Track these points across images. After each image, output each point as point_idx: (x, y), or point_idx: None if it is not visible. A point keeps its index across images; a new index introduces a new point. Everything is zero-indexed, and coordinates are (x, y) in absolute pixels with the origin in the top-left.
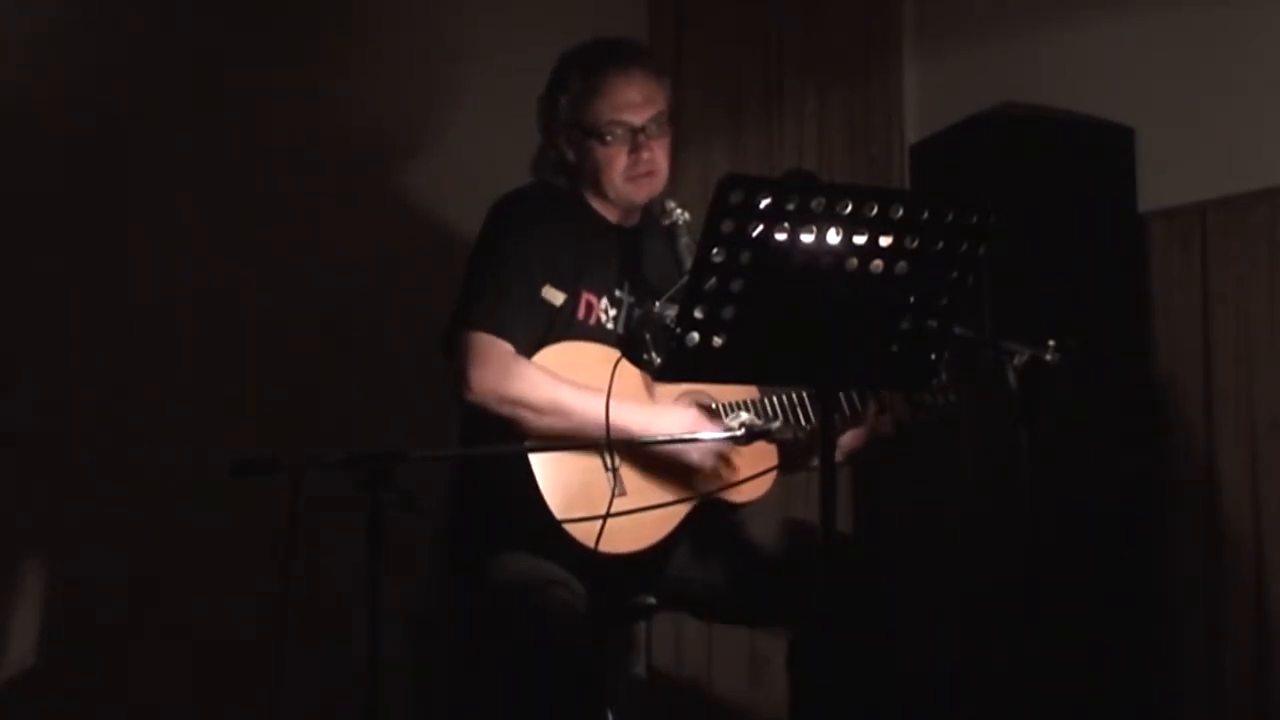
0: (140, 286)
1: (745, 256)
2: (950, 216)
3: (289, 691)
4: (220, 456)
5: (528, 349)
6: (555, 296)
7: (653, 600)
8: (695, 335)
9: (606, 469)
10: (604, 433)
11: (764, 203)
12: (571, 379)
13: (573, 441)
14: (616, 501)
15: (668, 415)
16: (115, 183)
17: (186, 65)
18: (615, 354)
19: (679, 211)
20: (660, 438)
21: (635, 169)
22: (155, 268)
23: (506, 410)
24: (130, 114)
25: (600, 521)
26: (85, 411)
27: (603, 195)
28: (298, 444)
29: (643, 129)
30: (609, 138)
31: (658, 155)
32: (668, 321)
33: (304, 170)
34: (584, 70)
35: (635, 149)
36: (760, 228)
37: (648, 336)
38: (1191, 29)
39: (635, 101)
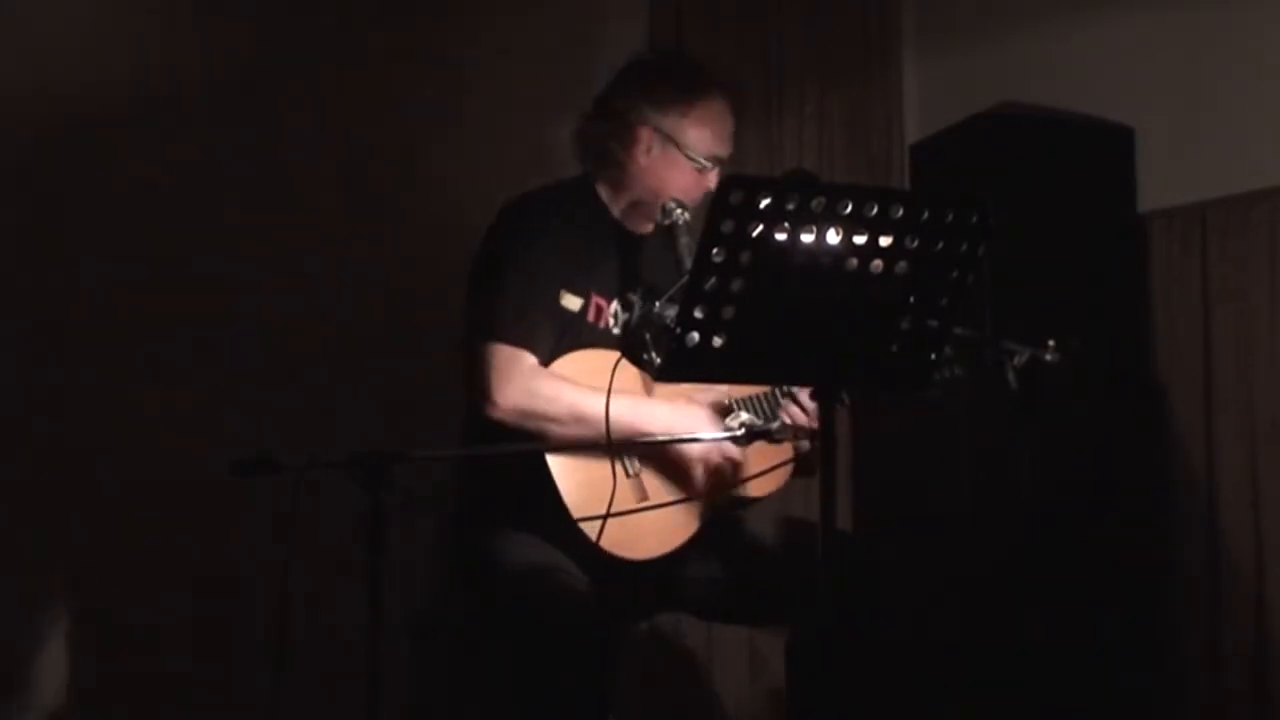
0: (141, 286)
1: (745, 256)
2: (950, 216)
3: (289, 692)
4: (220, 456)
5: (547, 358)
6: (573, 302)
7: (653, 600)
8: (695, 335)
9: (629, 475)
10: (626, 436)
11: (764, 203)
12: (590, 385)
13: (581, 442)
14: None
15: (686, 414)
16: (115, 183)
17: (197, 67)
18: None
19: (679, 211)
20: (661, 437)
21: (697, 190)
22: (156, 268)
23: (531, 425)
24: (133, 113)
25: (625, 528)
26: (85, 411)
27: (633, 195)
28: (298, 444)
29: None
30: (705, 166)
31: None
32: (667, 321)
33: (307, 172)
34: (686, 91)
35: (705, 173)
36: (760, 228)
37: (648, 336)
38: (1191, 29)
39: (730, 134)
